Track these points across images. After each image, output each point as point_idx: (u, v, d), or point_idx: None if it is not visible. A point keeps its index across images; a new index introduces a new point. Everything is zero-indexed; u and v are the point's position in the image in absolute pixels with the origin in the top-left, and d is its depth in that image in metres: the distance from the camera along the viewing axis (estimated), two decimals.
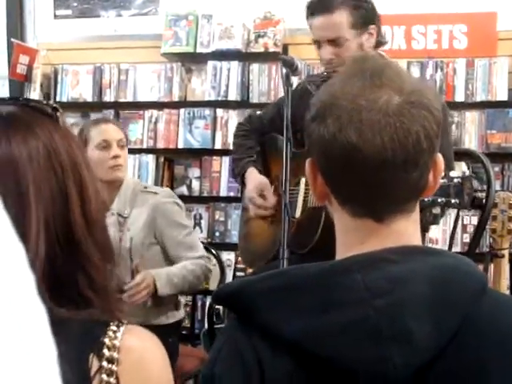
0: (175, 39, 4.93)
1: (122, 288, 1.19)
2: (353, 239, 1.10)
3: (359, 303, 1.01)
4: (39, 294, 0.44)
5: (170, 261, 3.29)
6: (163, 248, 3.29)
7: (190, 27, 4.91)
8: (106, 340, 1.02)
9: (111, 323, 1.04)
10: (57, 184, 1.07)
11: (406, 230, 1.10)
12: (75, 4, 5.27)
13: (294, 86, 2.69)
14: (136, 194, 3.28)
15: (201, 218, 4.89)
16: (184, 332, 4.01)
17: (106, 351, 1.01)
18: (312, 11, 2.62)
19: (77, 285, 1.05)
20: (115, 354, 1.01)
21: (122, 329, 1.04)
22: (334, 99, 1.07)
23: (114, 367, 1.01)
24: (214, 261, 4.31)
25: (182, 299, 4.03)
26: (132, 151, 4.44)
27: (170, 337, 3.19)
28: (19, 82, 5.09)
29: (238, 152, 3.03)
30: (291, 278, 1.07)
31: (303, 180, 2.64)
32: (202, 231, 4.85)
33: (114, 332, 1.03)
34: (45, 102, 1.15)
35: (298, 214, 2.69)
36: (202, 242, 4.30)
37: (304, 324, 1.02)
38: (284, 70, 2.35)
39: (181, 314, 3.48)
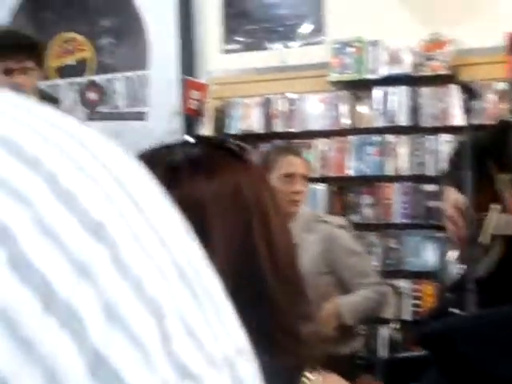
0: (342, 67, 4.92)
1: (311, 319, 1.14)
2: None
3: None
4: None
5: (344, 289, 3.25)
6: (337, 277, 3.26)
7: (357, 54, 4.89)
8: None
9: (306, 370, 1.02)
10: (242, 226, 1.02)
11: None
12: (242, 38, 5.39)
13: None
14: (308, 223, 3.27)
15: (373, 245, 4.82)
16: (360, 362, 3.94)
17: None
18: None
19: (266, 332, 0.99)
20: None
21: (317, 376, 1.02)
22: None
23: None
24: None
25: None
26: None
27: (346, 367, 3.15)
28: (191, 117, 5.26)
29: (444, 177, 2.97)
30: (503, 318, 1.02)
31: (494, 206, 2.53)
32: (375, 259, 4.79)
33: (309, 380, 1.01)
34: (232, 142, 1.13)
35: (482, 239, 2.59)
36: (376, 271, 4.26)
37: None
38: (463, 96, 2.28)
39: (358, 343, 3.43)
